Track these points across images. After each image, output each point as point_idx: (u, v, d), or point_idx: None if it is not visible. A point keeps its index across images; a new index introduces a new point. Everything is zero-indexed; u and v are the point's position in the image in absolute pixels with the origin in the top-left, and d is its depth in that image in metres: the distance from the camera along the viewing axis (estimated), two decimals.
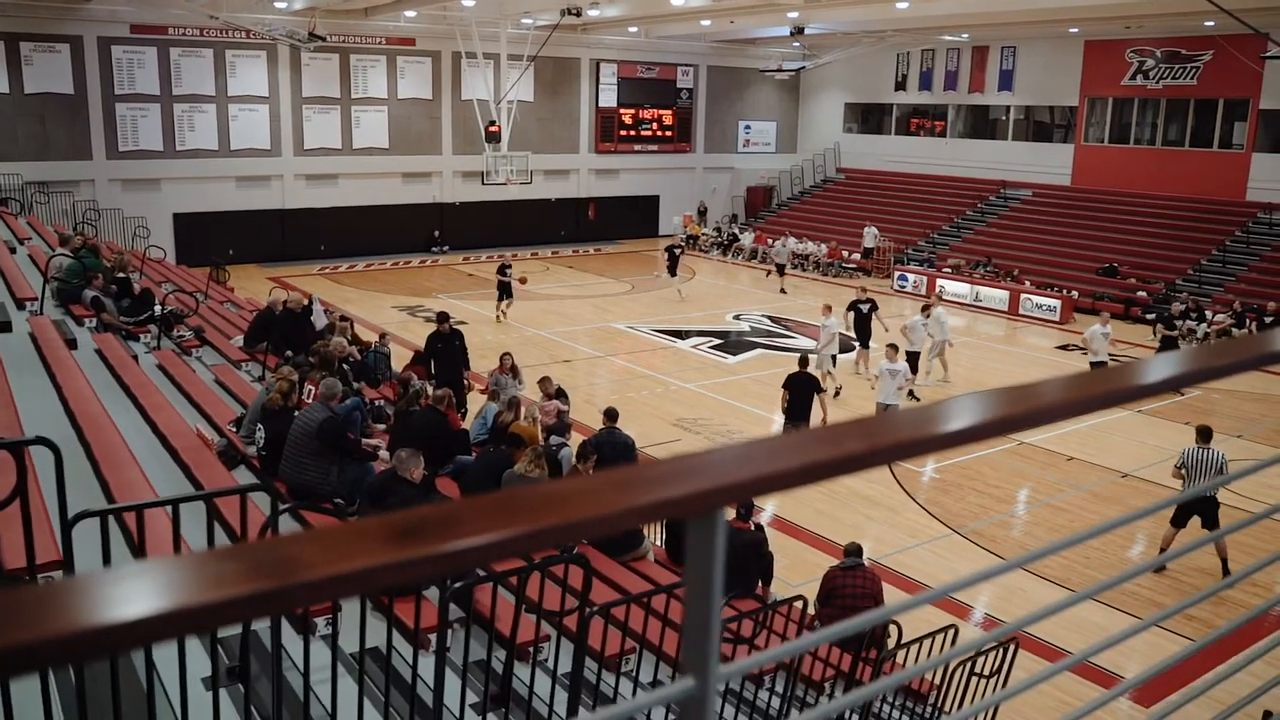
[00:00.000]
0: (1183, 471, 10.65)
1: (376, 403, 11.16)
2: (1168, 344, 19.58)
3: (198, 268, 20.52)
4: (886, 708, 6.85)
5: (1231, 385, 17.00)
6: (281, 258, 29.54)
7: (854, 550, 8.26)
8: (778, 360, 19.90)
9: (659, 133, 36.83)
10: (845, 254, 31.00)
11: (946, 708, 7.10)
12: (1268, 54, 23.38)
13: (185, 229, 28.31)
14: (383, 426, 10.28)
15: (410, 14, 28.56)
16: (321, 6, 26.84)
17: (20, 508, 3.31)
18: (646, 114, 36.32)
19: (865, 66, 35.58)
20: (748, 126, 38.85)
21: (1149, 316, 23.02)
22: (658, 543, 9.59)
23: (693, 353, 20.78)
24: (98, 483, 6.04)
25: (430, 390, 10.43)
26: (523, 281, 23.29)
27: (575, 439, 11.37)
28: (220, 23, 26.62)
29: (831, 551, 10.34)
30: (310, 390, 8.79)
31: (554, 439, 10.83)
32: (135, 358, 10.11)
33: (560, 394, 12.31)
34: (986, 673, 7.06)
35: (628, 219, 36.42)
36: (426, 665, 4.46)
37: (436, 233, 32.74)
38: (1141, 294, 24.86)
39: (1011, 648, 7.01)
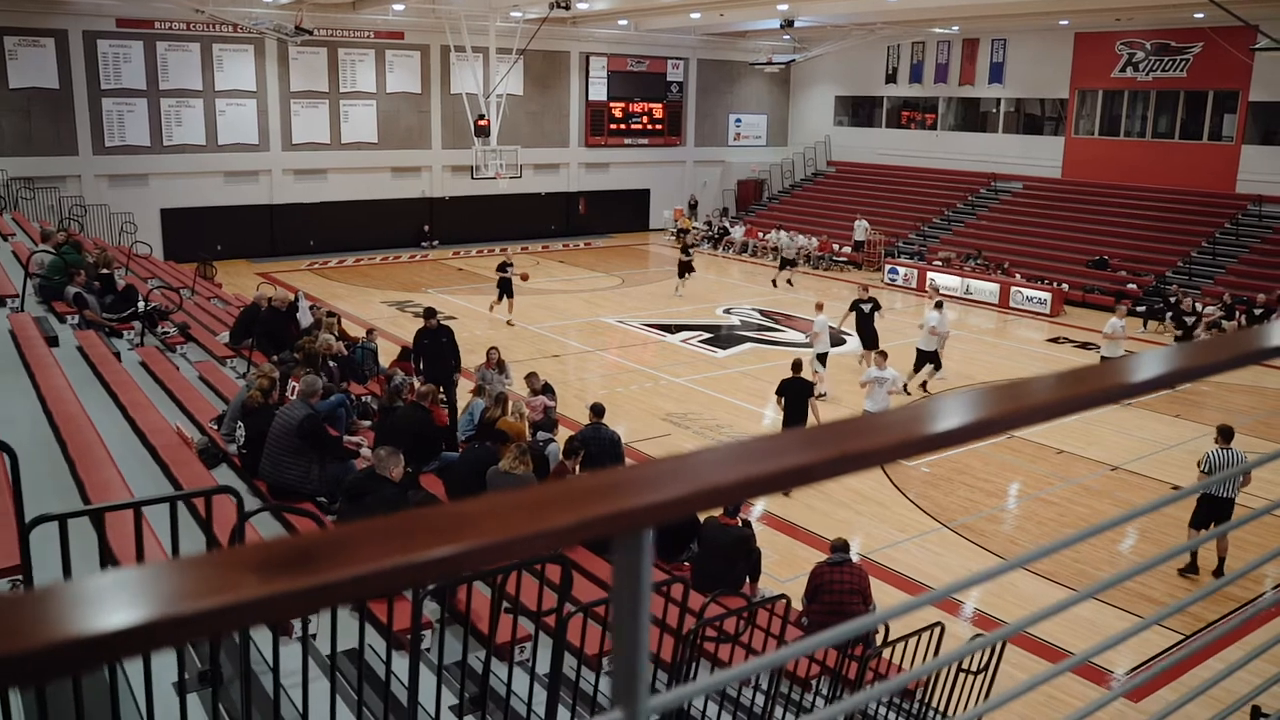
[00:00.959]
0: (1208, 475, 10.39)
1: (363, 399, 11.09)
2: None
3: (186, 263, 20.38)
4: (874, 704, 6.81)
5: (1221, 377, 16.97)
6: (270, 253, 29.37)
7: (841, 546, 8.22)
8: (768, 355, 19.85)
9: (649, 126, 36.66)
10: (836, 247, 30.95)
11: (934, 703, 7.07)
12: (1257, 46, 23.38)
13: (173, 225, 28.09)
14: (368, 423, 10.20)
15: (398, 7, 28.35)
16: (309, 0, 26.68)
17: None
18: (636, 107, 36.16)
19: (855, 59, 35.48)
20: (738, 120, 38.72)
21: (1139, 309, 23.00)
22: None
23: (683, 347, 20.70)
24: (73, 483, 5.96)
25: (416, 385, 10.36)
26: (524, 278, 22.30)
27: (563, 434, 11.31)
28: (207, 16, 26.41)
29: (822, 547, 10.28)
30: (293, 387, 8.70)
31: (541, 435, 10.78)
32: (118, 355, 10.01)
33: (547, 389, 12.23)
34: (974, 669, 7.04)
35: (618, 213, 36.26)
36: (402, 665, 4.40)
37: (426, 227, 32.58)
38: (1132, 286, 24.85)
39: (1000, 644, 6.97)
